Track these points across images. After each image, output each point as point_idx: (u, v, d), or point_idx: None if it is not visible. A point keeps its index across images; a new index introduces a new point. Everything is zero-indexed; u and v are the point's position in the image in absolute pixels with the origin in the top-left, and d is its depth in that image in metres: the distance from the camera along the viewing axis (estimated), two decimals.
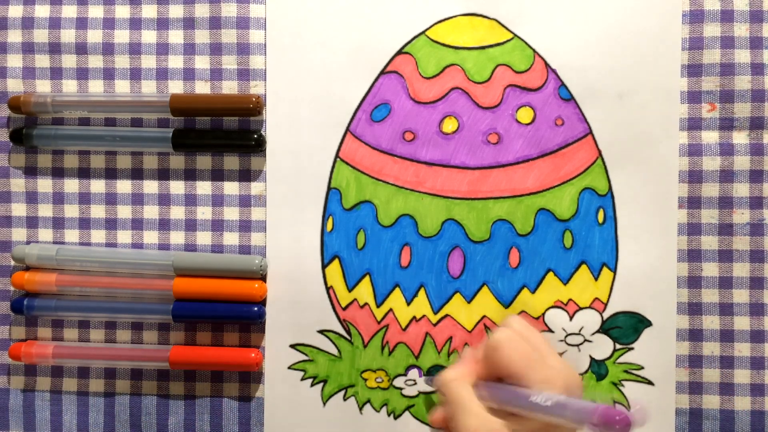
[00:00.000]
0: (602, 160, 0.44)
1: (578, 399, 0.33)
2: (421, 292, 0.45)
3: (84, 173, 0.46)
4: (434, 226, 0.45)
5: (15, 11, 0.46)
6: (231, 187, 0.46)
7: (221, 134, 0.45)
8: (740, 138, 0.44)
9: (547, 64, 0.44)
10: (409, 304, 0.45)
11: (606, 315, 0.44)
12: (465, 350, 0.39)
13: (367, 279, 0.45)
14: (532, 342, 0.38)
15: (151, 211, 0.46)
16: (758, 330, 0.44)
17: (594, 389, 0.44)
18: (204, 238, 0.46)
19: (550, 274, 0.44)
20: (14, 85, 0.46)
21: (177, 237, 0.46)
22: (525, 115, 0.44)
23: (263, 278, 0.45)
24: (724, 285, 0.44)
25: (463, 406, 0.36)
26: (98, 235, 0.46)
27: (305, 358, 0.45)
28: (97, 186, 0.46)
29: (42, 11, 0.46)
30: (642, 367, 0.44)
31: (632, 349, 0.44)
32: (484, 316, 0.45)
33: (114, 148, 0.46)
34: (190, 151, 0.46)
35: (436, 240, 0.45)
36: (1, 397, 0.47)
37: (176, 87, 0.46)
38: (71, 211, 0.46)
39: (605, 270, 0.44)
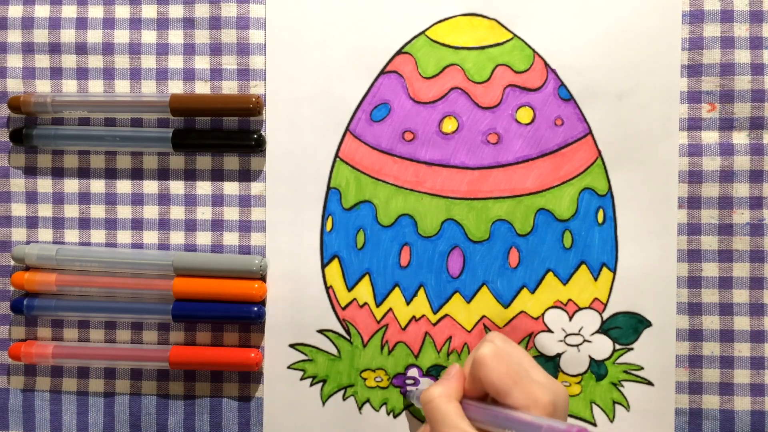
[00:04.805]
0: (602, 160, 0.44)
1: (558, 421, 0.33)
2: (421, 292, 0.45)
3: (84, 173, 0.46)
4: (434, 226, 0.45)
5: (15, 11, 0.46)
6: (231, 187, 0.46)
7: (221, 134, 0.45)
8: (740, 138, 0.43)
9: (546, 64, 0.44)
10: (408, 303, 0.45)
11: (606, 315, 0.44)
12: (450, 367, 0.37)
13: (366, 279, 0.45)
14: (515, 357, 0.37)
15: (151, 211, 0.46)
16: (758, 330, 0.44)
17: (593, 389, 0.44)
18: (204, 238, 0.46)
19: (550, 274, 0.44)
20: (14, 85, 0.46)
21: (177, 237, 0.46)
22: (525, 115, 0.44)
23: (263, 278, 0.45)
24: (724, 285, 0.44)
25: (449, 424, 0.34)
26: (98, 235, 0.46)
27: (305, 357, 0.45)
28: (97, 186, 0.46)
29: (42, 11, 0.46)
30: (642, 368, 0.44)
31: (632, 349, 0.44)
32: (483, 316, 0.45)
33: (114, 148, 0.46)
34: (190, 151, 0.46)
35: (436, 240, 0.45)
36: (0, 397, 0.47)
37: (176, 87, 0.46)
38: (71, 211, 0.46)
39: (605, 270, 0.44)
